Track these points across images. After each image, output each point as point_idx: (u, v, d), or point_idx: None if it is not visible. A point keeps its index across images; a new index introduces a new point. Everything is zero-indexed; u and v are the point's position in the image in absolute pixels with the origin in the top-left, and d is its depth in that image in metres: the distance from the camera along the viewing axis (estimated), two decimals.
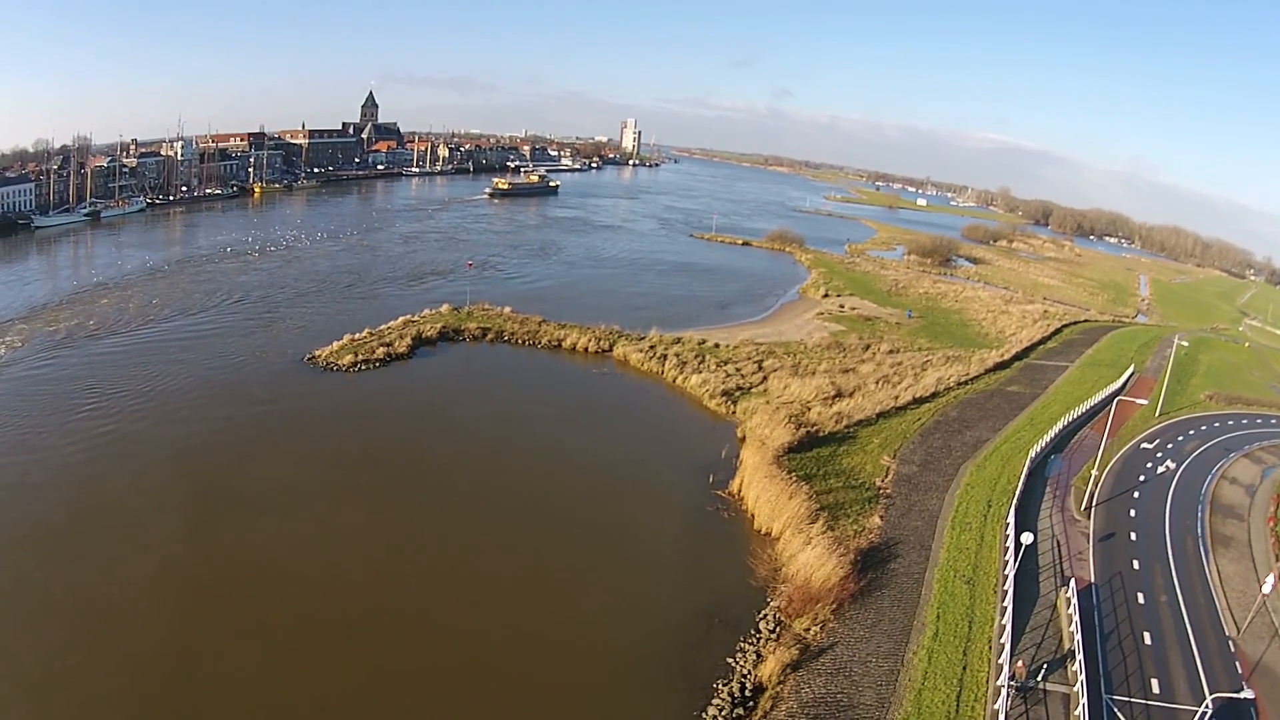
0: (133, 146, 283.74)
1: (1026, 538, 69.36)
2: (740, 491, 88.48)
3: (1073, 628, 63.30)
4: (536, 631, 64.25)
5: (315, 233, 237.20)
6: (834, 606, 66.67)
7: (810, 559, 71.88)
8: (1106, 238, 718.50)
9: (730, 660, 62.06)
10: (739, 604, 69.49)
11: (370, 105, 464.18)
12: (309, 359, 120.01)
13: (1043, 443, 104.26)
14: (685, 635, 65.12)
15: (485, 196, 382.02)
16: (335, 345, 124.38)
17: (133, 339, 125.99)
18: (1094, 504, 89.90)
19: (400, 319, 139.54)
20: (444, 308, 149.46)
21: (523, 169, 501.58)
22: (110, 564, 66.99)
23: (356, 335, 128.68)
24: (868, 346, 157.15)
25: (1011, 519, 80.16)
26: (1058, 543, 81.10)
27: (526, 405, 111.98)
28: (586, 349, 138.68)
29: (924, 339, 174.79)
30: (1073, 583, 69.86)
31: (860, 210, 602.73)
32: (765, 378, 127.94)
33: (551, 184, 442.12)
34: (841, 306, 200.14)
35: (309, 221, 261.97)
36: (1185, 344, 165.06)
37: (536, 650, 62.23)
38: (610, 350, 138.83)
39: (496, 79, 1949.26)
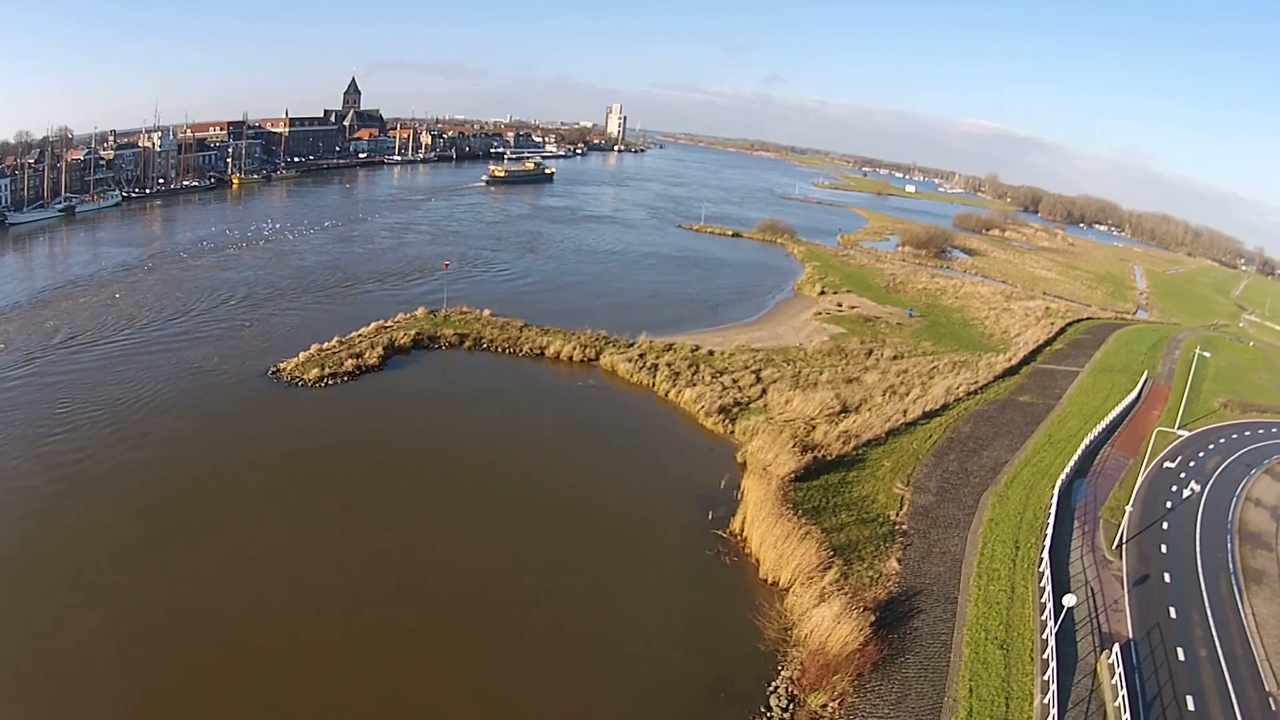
0: (111, 138, 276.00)
1: (1069, 600, 62.33)
2: (743, 531, 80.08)
3: (1118, 702, 57.04)
4: (518, 706, 56.90)
5: (295, 227, 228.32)
6: (853, 677, 58.78)
7: (825, 619, 63.70)
8: (1096, 225, 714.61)
9: None
10: (746, 673, 61.71)
11: (353, 92, 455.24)
12: (273, 373, 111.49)
13: (1066, 470, 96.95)
14: (688, 713, 57.58)
15: (481, 184, 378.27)
16: (302, 356, 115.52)
17: (106, 348, 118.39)
18: (1124, 540, 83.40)
19: (372, 325, 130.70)
20: (419, 311, 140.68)
21: (509, 156, 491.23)
22: (66, 610, 61.43)
23: (325, 345, 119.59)
24: (870, 352, 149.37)
25: (1046, 568, 72.82)
26: (1092, 590, 74.16)
27: (506, 427, 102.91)
28: (571, 358, 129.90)
29: (928, 341, 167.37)
30: (1116, 649, 62.96)
31: (849, 198, 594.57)
32: (764, 390, 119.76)
33: (547, 171, 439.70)
34: (839, 305, 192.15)
35: (289, 214, 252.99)
36: (1207, 355, 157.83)
37: None
38: (596, 359, 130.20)
39: (486, 64, 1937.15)
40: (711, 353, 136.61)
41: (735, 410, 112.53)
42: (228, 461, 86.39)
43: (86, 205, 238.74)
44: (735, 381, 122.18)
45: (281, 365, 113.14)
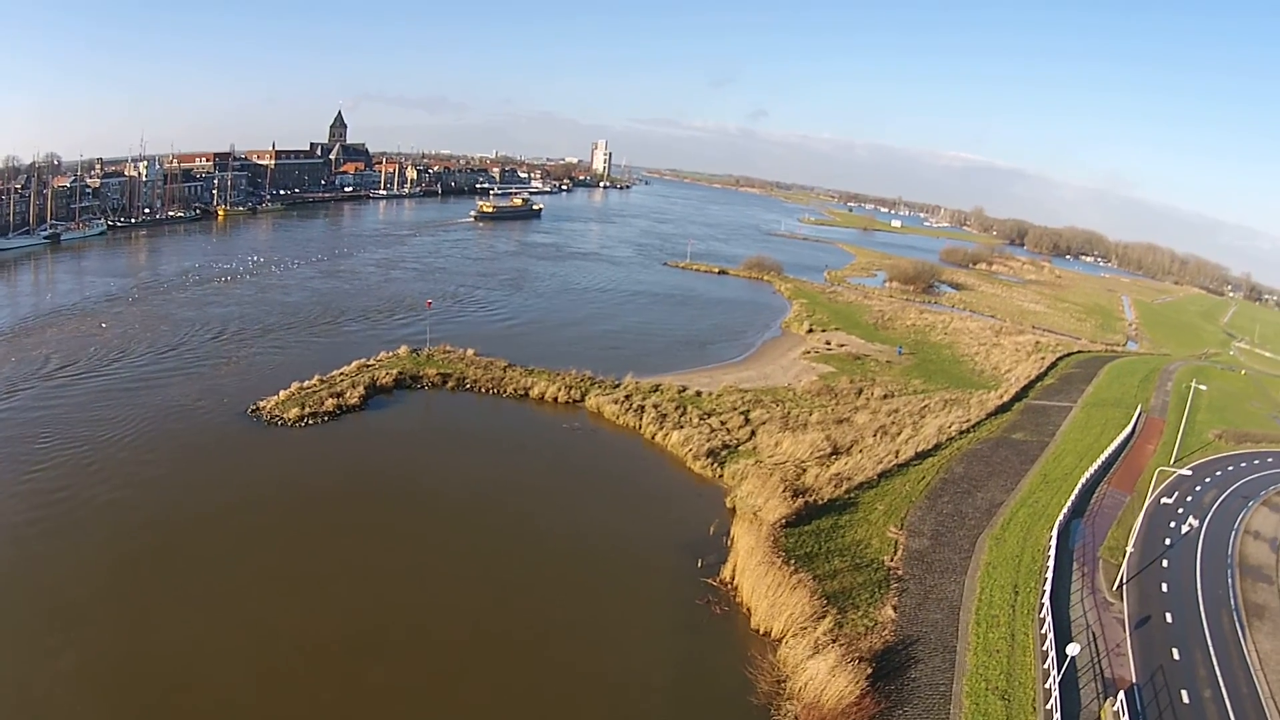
0: (98, 166, 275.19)
1: (1073, 649, 59.91)
2: (734, 580, 77.68)
3: None
4: None
5: (281, 260, 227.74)
6: None
7: (819, 671, 61.34)
8: (1083, 256, 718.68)
9: None
10: None
11: (339, 125, 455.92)
12: (253, 411, 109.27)
13: (1063, 511, 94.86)
14: None
15: (470, 220, 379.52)
16: (282, 395, 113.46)
17: (90, 381, 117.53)
18: (1125, 581, 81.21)
19: (355, 363, 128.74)
20: (402, 350, 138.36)
21: (495, 192, 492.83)
22: (42, 653, 60.02)
23: (305, 383, 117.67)
24: (860, 391, 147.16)
25: (1047, 613, 70.66)
26: (1093, 634, 71.88)
27: (489, 471, 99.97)
28: (556, 399, 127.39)
29: (918, 379, 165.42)
30: (1121, 696, 60.83)
31: (835, 233, 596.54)
32: (753, 432, 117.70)
33: (535, 207, 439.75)
34: (828, 343, 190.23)
35: (275, 248, 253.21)
36: (1203, 388, 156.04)
37: None
38: (582, 400, 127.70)
39: (470, 98, 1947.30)
40: (699, 393, 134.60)
41: (724, 453, 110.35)
42: (205, 505, 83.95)
43: (72, 233, 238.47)
44: (724, 423, 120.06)
45: (261, 403, 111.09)
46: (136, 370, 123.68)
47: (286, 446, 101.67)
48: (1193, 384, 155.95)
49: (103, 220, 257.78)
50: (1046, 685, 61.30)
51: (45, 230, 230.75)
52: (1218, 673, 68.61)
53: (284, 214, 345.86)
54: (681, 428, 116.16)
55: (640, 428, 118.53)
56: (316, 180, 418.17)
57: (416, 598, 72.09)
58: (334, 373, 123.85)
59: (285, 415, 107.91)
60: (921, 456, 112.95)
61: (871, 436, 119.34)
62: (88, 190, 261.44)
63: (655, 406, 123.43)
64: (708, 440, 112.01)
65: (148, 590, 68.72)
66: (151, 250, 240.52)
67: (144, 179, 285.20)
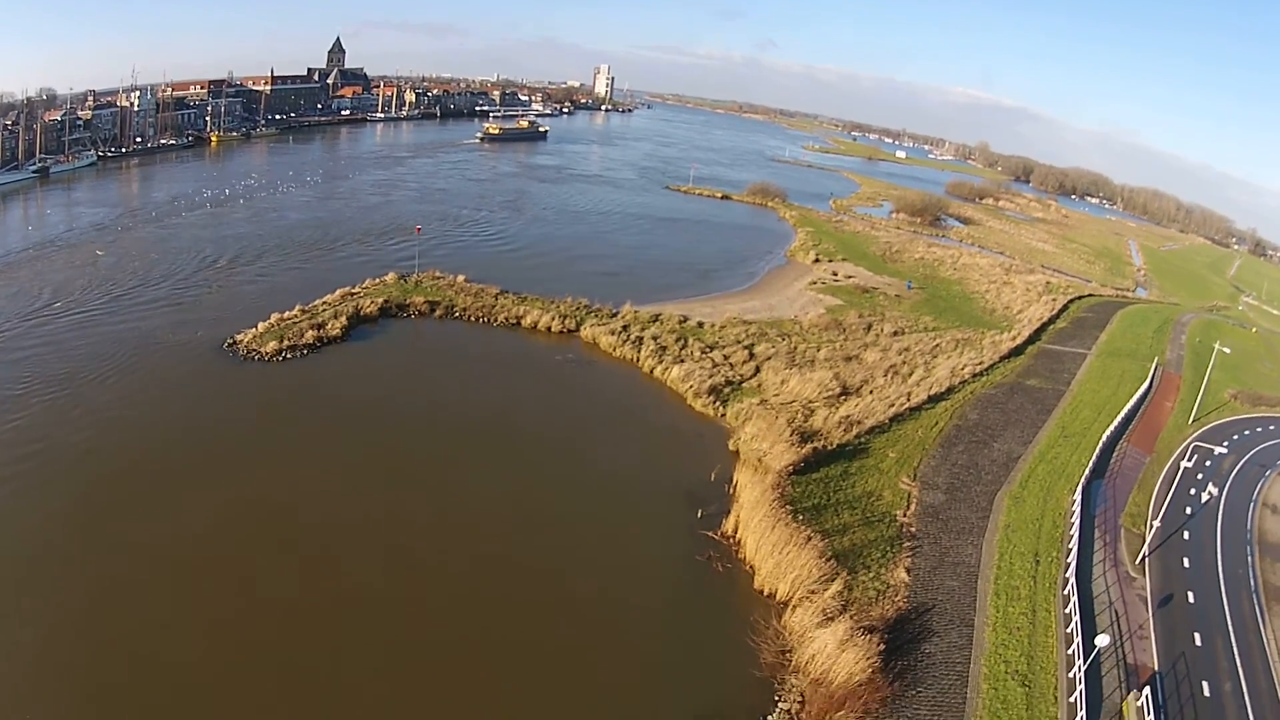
0: (90, 98, 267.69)
1: (1101, 640, 54.87)
2: (737, 533, 72.41)
3: None
4: None
5: (273, 184, 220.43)
6: (860, 716, 51.22)
7: (828, 644, 56.27)
8: (1088, 198, 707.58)
9: None
10: (740, 705, 54.66)
11: (337, 50, 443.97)
12: (229, 345, 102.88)
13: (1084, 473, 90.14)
14: None
15: (475, 141, 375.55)
16: (261, 327, 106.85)
17: (73, 317, 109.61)
18: (1147, 554, 76.45)
19: (338, 292, 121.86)
20: (389, 277, 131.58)
21: (495, 114, 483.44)
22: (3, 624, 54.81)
23: (285, 314, 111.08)
24: (869, 326, 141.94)
25: (1071, 590, 66.01)
26: (1116, 613, 67.34)
27: (475, 411, 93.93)
28: (550, 328, 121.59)
29: (928, 315, 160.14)
30: (1146, 694, 56.06)
31: (839, 161, 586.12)
32: (758, 368, 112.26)
33: (541, 129, 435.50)
34: (835, 274, 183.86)
35: (268, 172, 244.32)
36: (1227, 350, 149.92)
37: None
38: (577, 330, 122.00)
39: (475, 24, 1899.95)
40: (701, 325, 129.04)
41: (727, 390, 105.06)
42: (180, 452, 77.83)
43: (61, 166, 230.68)
44: (726, 358, 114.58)
45: (239, 336, 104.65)
46: (121, 304, 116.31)
47: (262, 383, 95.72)
48: (1216, 345, 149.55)
49: (92, 151, 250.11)
50: (1071, 674, 56.71)
51: (33, 164, 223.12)
52: (1238, 663, 64.64)
53: (279, 138, 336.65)
54: (682, 362, 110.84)
55: (638, 360, 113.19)
56: (313, 105, 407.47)
57: (391, 552, 66.94)
58: (316, 302, 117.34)
59: (263, 349, 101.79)
60: (934, 400, 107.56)
61: (882, 376, 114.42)
62: (79, 122, 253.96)
63: (654, 338, 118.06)
64: (709, 376, 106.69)
65: (119, 551, 63.01)
66: (142, 179, 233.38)
67: (136, 109, 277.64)
